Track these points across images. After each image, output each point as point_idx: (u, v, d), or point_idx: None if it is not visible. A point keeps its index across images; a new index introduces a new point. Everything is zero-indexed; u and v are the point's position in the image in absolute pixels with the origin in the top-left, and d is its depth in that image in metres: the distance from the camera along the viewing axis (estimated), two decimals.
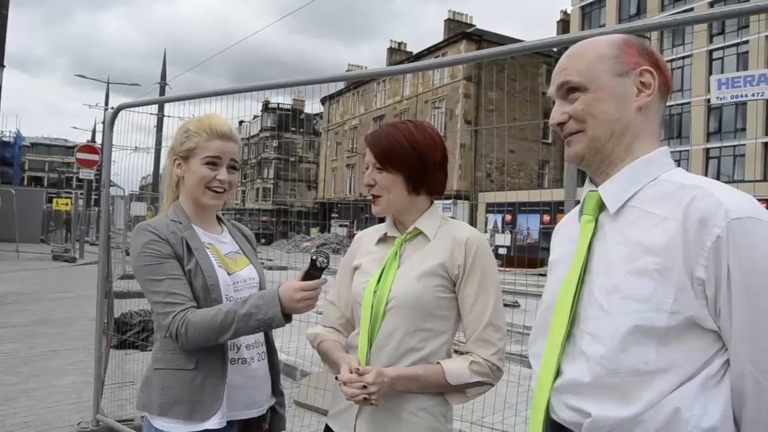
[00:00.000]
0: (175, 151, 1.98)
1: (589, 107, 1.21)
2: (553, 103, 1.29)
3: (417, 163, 1.75)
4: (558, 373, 1.19)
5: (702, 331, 1.05)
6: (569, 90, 1.24)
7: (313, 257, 1.76)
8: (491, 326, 1.69)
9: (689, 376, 1.05)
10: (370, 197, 1.79)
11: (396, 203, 1.78)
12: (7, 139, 37.12)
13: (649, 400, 1.05)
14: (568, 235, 1.34)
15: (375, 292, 1.73)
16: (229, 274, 1.95)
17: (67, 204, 29.84)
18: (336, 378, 1.67)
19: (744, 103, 31.06)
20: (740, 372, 1.02)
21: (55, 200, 32.53)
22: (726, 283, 1.01)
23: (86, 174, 18.75)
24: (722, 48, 34.75)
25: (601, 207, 1.22)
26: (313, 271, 1.76)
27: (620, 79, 1.20)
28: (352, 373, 1.61)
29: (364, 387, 1.57)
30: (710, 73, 33.11)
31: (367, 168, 1.78)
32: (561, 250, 1.34)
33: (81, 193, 26.81)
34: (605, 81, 1.21)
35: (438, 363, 1.68)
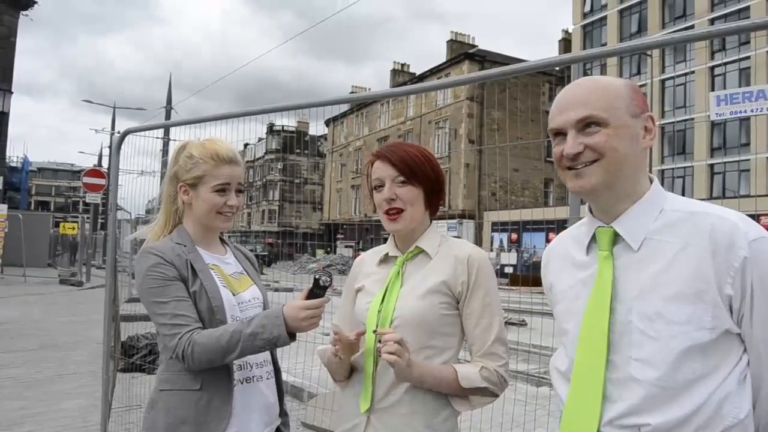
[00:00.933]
0: (181, 179, 1.99)
1: (611, 141, 1.26)
2: (555, 133, 1.33)
3: (434, 179, 1.79)
4: (604, 399, 1.24)
5: (732, 337, 1.20)
6: (588, 123, 1.28)
7: (316, 276, 1.78)
8: (498, 341, 1.72)
9: (727, 374, 1.18)
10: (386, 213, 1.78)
11: (417, 218, 1.78)
12: (14, 164, 37.39)
13: (698, 401, 1.17)
14: (563, 268, 1.41)
15: (379, 311, 1.74)
16: (234, 295, 1.96)
17: (73, 228, 29.96)
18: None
19: (747, 119, 31.10)
20: (758, 369, 1.19)
21: (61, 224, 32.67)
22: (750, 294, 1.17)
23: (93, 198, 18.87)
24: (724, 64, 34.88)
25: (614, 241, 1.30)
26: (317, 290, 1.77)
27: (634, 120, 1.29)
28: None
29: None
30: (712, 89, 33.19)
31: (380, 186, 1.77)
32: (567, 281, 1.39)
33: (87, 217, 26.97)
34: (624, 119, 1.28)
35: (450, 365, 1.69)
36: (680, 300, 1.18)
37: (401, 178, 1.74)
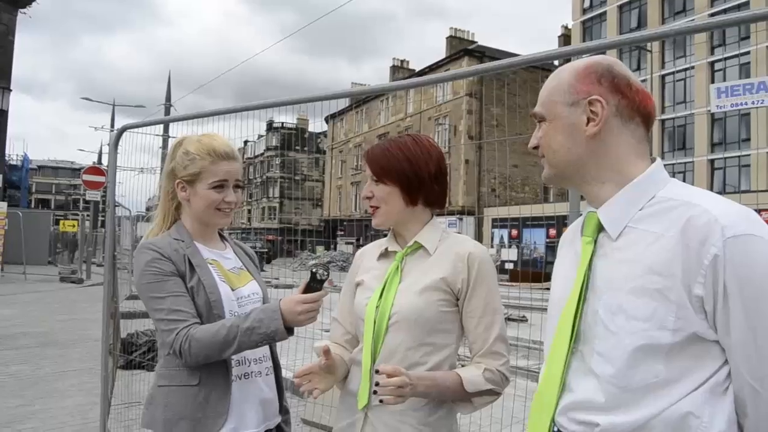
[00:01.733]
0: (178, 175, 1.97)
1: (545, 137, 1.29)
2: None
3: (411, 175, 1.77)
4: (563, 387, 1.22)
5: (706, 343, 1.08)
6: (539, 119, 1.32)
7: (313, 270, 1.78)
8: (499, 339, 1.71)
9: (699, 383, 1.08)
10: (370, 210, 1.82)
11: (394, 214, 1.79)
12: (14, 162, 37.38)
13: (659, 406, 1.08)
14: (569, 250, 1.37)
15: (377, 307, 1.73)
16: (232, 290, 1.95)
17: (74, 225, 29.96)
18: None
19: (747, 114, 31.06)
20: (739, 383, 1.07)
21: (61, 222, 32.68)
22: (723, 298, 1.04)
23: (93, 195, 18.85)
24: (724, 59, 34.84)
25: (600, 227, 1.24)
26: (314, 284, 1.77)
27: (571, 108, 1.25)
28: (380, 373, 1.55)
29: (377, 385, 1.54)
30: (713, 83, 33.16)
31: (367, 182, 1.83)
32: (561, 267, 1.37)
33: (87, 215, 26.93)
34: (558, 111, 1.26)
35: (454, 371, 1.68)
36: (643, 295, 1.10)
37: (374, 177, 1.79)
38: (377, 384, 1.53)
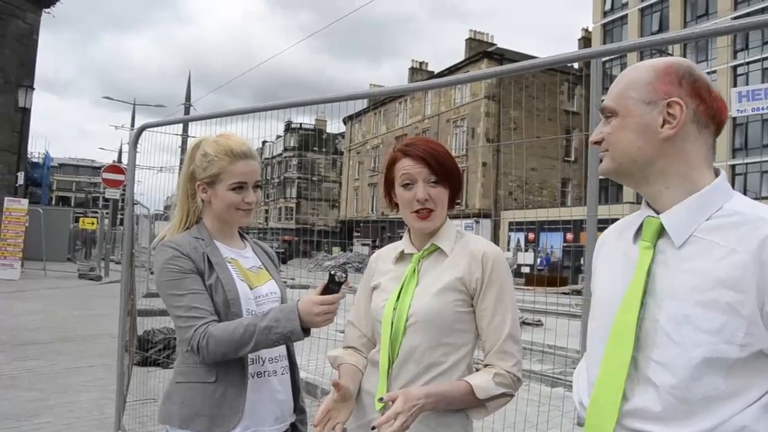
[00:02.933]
0: (198, 177, 2.00)
1: (614, 133, 1.25)
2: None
3: (459, 179, 1.80)
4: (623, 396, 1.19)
5: (767, 358, 1.08)
6: (608, 113, 1.28)
7: (332, 272, 1.78)
8: (510, 338, 1.70)
9: (756, 398, 1.07)
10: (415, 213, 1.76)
11: (442, 218, 1.80)
12: (36, 160, 37.80)
13: (715, 421, 1.08)
14: (613, 251, 1.34)
15: (395, 309, 1.74)
16: (251, 289, 1.97)
17: (93, 223, 30.30)
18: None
19: None
20: None
21: (81, 219, 33.04)
22: None
23: (112, 194, 19.07)
24: (746, 63, 34.42)
25: (660, 233, 1.21)
26: (332, 286, 1.78)
27: (647, 107, 1.21)
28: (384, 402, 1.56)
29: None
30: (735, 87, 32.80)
31: (409, 183, 1.75)
32: (607, 268, 1.34)
33: (107, 213, 27.22)
34: (631, 108, 1.22)
35: (463, 380, 1.67)
36: (714, 308, 1.09)
37: (434, 179, 1.74)
38: (373, 428, 1.53)
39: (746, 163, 34.31)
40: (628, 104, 1.23)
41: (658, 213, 1.23)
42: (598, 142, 1.30)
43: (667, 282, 1.17)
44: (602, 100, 1.30)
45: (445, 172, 1.75)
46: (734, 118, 31.59)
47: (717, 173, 1.23)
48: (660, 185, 1.23)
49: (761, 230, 1.09)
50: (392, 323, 1.72)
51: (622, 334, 1.19)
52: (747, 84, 32.88)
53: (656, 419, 1.13)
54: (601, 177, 1.29)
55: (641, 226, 1.26)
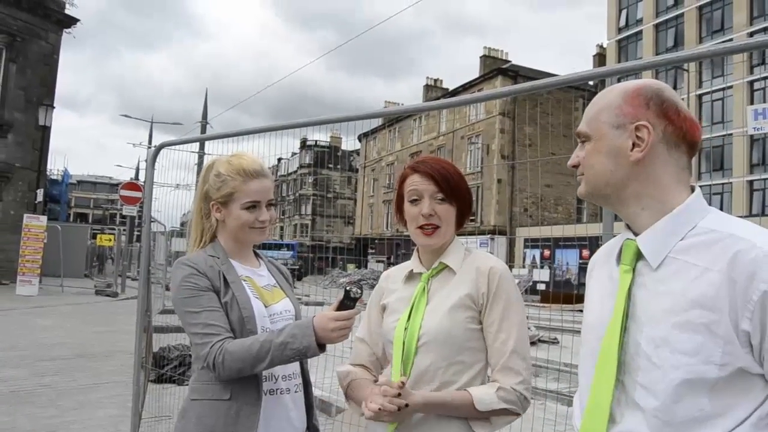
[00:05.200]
0: (212, 197, 2.02)
1: (588, 157, 1.28)
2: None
3: (468, 199, 1.81)
4: (610, 419, 1.19)
5: (751, 377, 1.07)
6: (583, 137, 1.30)
7: (347, 288, 1.79)
8: (515, 354, 1.68)
9: (744, 418, 1.06)
10: (420, 229, 1.78)
11: (449, 235, 1.81)
12: (54, 177, 38.29)
13: None
14: (601, 273, 1.35)
15: (406, 329, 1.74)
16: (265, 306, 1.98)
17: (110, 240, 30.54)
18: (361, 415, 1.66)
19: None
20: None
21: (98, 236, 33.33)
22: None
23: (129, 211, 19.26)
24: (763, 78, 34.20)
25: (639, 256, 1.22)
26: (347, 302, 1.78)
27: (617, 131, 1.23)
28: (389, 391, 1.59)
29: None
30: (751, 104, 32.54)
31: (417, 199, 1.77)
32: (597, 290, 1.35)
33: (124, 229, 27.45)
34: (604, 132, 1.25)
35: (466, 390, 1.67)
36: (689, 329, 1.08)
37: (440, 195, 1.76)
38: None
39: (764, 179, 33.97)
40: (600, 128, 1.25)
41: (636, 234, 1.24)
42: (575, 166, 1.32)
43: (646, 305, 1.17)
44: (578, 130, 1.32)
45: (452, 189, 1.77)
46: (751, 134, 31.31)
47: (693, 191, 1.23)
48: (635, 207, 1.24)
49: (731, 248, 1.08)
50: (404, 343, 1.73)
51: (608, 358, 1.19)
52: (764, 99, 32.66)
53: None
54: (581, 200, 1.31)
55: (621, 248, 1.27)
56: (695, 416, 1.08)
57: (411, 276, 1.87)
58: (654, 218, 1.21)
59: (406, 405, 1.57)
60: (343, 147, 70.39)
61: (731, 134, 35.07)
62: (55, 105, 22.57)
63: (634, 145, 1.21)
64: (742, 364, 1.06)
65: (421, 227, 1.77)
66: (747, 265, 1.05)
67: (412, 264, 1.88)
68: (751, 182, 34.81)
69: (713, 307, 1.07)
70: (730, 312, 1.05)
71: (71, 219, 72.10)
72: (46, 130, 22.01)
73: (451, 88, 50.15)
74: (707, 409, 1.07)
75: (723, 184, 35.47)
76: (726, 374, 1.06)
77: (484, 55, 48.12)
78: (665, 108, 1.22)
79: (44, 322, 12.24)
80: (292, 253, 49.55)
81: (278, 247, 53.95)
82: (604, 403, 1.18)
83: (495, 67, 44.06)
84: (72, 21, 23.93)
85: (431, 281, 1.81)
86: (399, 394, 1.57)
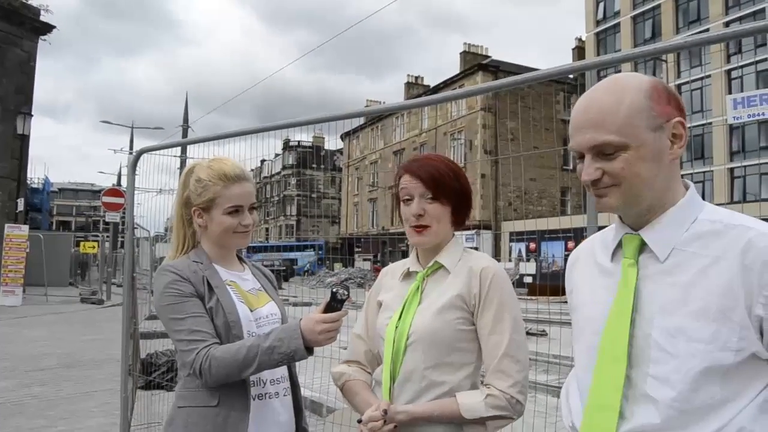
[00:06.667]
0: (194, 203, 2.00)
1: (631, 167, 1.17)
2: (577, 155, 1.25)
3: (462, 195, 1.80)
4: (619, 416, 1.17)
5: (760, 361, 1.10)
6: (614, 147, 1.19)
7: (333, 290, 1.78)
8: (508, 357, 1.66)
9: (750, 400, 1.09)
10: (412, 228, 1.78)
11: (441, 234, 1.79)
12: (35, 186, 37.87)
13: (715, 426, 1.09)
14: (589, 267, 1.34)
15: (397, 327, 1.74)
16: (251, 310, 1.97)
17: (94, 247, 30.28)
18: (359, 421, 1.66)
19: (766, 121, 30.74)
20: None
21: (82, 244, 33.03)
22: None
23: (112, 217, 19.09)
24: (740, 67, 34.57)
25: (640, 249, 1.22)
26: (334, 304, 1.77)
27: (656, 134, 1.18)
28: (376, 411, 1.61)
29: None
30: (729, 93, 32.88)
31: (409, 199, 1.78)
32: (588, 285, 1.34)
33: (107, 236, 27.22)
34: (644, 137, 1.17)
35: (454, 397, 1.66)
36: (705, 317, 1.10)
37: (430, 195, 1.75)
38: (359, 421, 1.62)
39: (744, 166, 34.36)
40: (638, 134, 1.17)
41: (633, 228, 1.24)
42: (595, 181, 1.21)
43: (655, 297, 1.17)
44: (603, 142, 1.20)
45: (441, 188, 1.75)
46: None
47: (686, 186, 1.25)
48: (650, 208, 1.22)
49: (742, 237, 1.11)
50: (394, 342, 1.72)
51: (614, 352, 1.18)
52: (742, 88, 33.04)
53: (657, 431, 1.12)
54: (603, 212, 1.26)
55: (620, 243, 1.26)
56: (708, 404, 1.09)
57: (408, 274, 1.87)
58: (655, 212, 1.21)
59: (395, 427, 1.60)
60: (326, 146, 70.30)
61: (711, 123, 35.43)
62: (33, 113, 22.32)
63: (671, 143, 1.19)
64: (755, 349, 1.08)
65: (413, 226, 1.77)
66: (761, 252, 1.08)
67: (410, 262, 1.88)
68: (731, 170, 35.20)
69: (728, 294, 1.09)
70: (746, 298, 1.08)
71: (54, 227, 71.39)
72: (24, 138, 21.76)
73: (433, 84, 50.19)
74: (719, 395, 1.09)
75: (704, 172, 35.81)
76: (741, 359, 1.08)
77: (465, 51, 48.22)
78: (678, 101, 1.22)
79: (30, 332, 12.11)
80: (320, 253, 49.01)
81: (301, 248, 53.47)
82: (612, 400, 1.17)
83: (475, 62, 44.18)
84: (48, 28, 23.70)
85: (426, 280, 1.80)
86: (384, 421, 1.59)
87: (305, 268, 42.56)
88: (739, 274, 1.09)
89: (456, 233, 1.87)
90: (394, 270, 1.95)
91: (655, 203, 1.21)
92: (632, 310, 1.18)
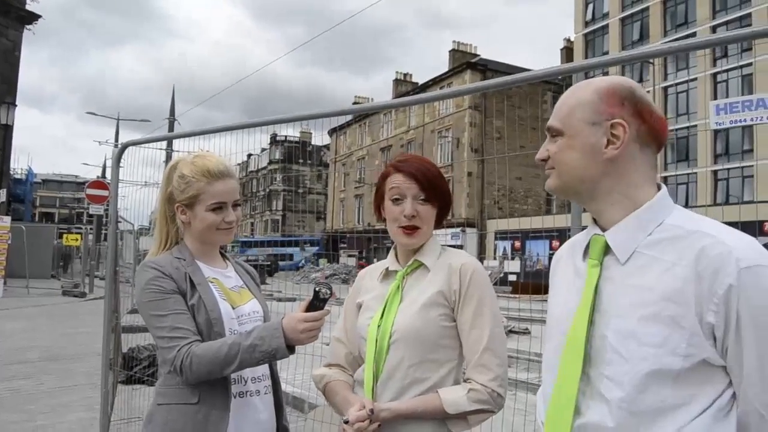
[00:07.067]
0: (177, 199, 1.98)
1: (559, 153, 1.28)
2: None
3: (448, 197, 1.82)
4: (575, 411, 1.21)
5: (713, 368, 1.11)
6: (554, 132, 1.30)
7: (316, 288, 1.78)
8: (488, 351, 1.69)
9: (704, 407, 1.10)
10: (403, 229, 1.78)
11: (428, 235, 1.81)
12: (18, 176, 37.46)
13: (667, 431, 1.10)
14: (566, 267, 1.37)
15: (379, 326, 1.75)
16: (233, 308, 1.96)
17: (77, 239, 30.00)
18: (345, 422, 1.65)
19: (749, 126, 31.05)
20: (746, 408, 1.09)
21: (65, 236, 32.72)
22: (735, 325, 1.07)
23: (96, 209, 18.93)
24: (726, 71, 34.88)
25: (606, 250, 1.24)
26: (317, 302, 1.77)
27: (592, 128, 1.24)
28: (362, 410, 1.62)
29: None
30: (715, 96, 33.16)
31: (399, 199, 1.77)
32: (562, 284, 1.37)
33: (91, 228, 26.99)
34: (578, 129, 1.25)
35: (437, 392, 1.68)
36: (656, 321, 1.12)
37: (423, 196, 1.76)
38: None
39: (728, 168, 34.70)
40: (574, 125, 1.26)
41: (603, 230, 1.27)
42: (544, 160, 1.32)
43: (614, 298, 1.20)
44: (549, 124, 1.32)
45: (435, 191, 1.77)
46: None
47: (659, 188, 1.26)
48: (605, 203, 1.26)
49: (697, 244, 1.12)
50: (376, 341, 1.73)
51: (574, 350, 1.21)
52: (727, 92, 33.35)
53: None
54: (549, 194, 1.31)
55: (589, 243, 1.29)
56: (658, 406, 1.11)
57: (387, 274, 1.87)
58: (622, 214, 1.23)
59: (379, 425, 1.62)
60: (314, 142, 70.07)
61: (695, 126, 35.72)
62: (17, 103, 22.07)
63: (608, 142, 1.23)
64: (705, 355, 1.09)
65: (402, 227, 1.77)
66: (713, 260, 1.09)
67: (389, 262, 1.88)
68: (715, 172, 35.50)
69: (680, 300, 1.10)
70: (696, 305, 1.09)
71: (36, 219, 70.69)
72: (8, 128, 21.53)
73: (421, 81, 50.22)
74: (669, 400, 1.10)
75: (688, 174, 36.08)
76: (689, 365, 1.09)
77: (453, 50, 48.31)
78: (639, 107, 1.24)
79: (10, 324, 11.98)
80: (317, 248, 48.75)
81: (297, 243, 53.06)
82: (569, 395, 1.20)
83: (464, 61, 44.27)
84: (33, 17, 23.44)
85: (406, 279, 1.81)
86: (369, 421, 1.59)
87: (300, 264, 42.39)
88: (691, 281, 1.10)
89: (434, 231, 1.88)
90: (372, 271, 1.96)
91: (597, 195, 1.26)
92: (592, 310, 1.21)
